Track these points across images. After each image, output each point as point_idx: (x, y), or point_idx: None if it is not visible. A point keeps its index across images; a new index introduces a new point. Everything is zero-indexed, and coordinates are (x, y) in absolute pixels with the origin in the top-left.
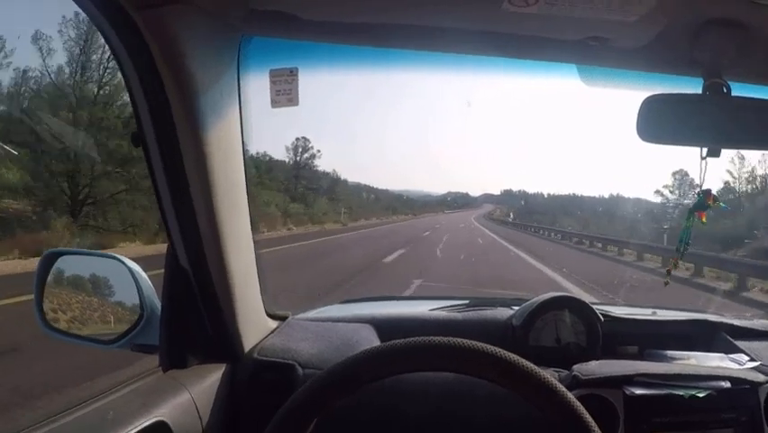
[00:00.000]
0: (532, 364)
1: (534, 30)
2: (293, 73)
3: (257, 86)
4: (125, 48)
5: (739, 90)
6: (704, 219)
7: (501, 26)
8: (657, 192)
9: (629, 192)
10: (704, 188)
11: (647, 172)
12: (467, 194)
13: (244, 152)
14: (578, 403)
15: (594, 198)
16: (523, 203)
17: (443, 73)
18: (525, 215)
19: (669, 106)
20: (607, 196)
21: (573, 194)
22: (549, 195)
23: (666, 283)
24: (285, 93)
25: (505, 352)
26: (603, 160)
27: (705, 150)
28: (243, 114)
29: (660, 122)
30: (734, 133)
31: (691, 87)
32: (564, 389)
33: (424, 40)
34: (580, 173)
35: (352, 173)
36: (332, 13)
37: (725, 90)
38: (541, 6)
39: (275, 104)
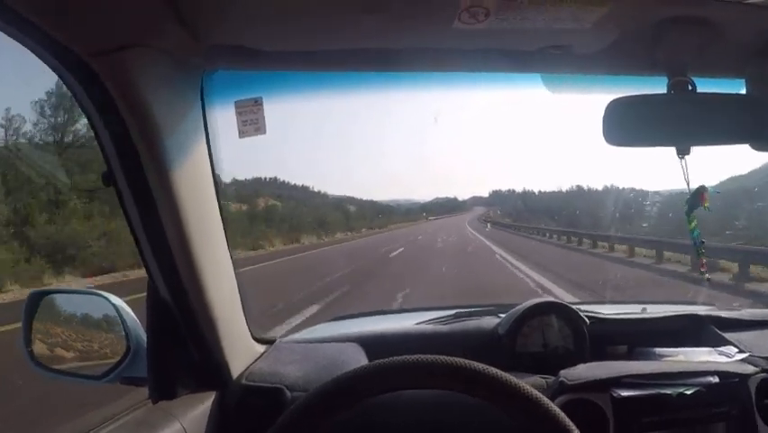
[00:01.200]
0: (506, 374)
1: (492, 43)
2: (258, 103)
3: (223, 117)
4: (86, 93)
5: (705, 86)
6: (706, 204)
7: (457, 43)
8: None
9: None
10: (691, 187)
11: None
12: (455, 198)
13: (215, 181)
14: (561, 413)
15: (596, 191)
16: (520, 203)
17: (409, 90)
18: (525, 215)
19: (634, 108)
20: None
21: (576, 188)
22: (541, 192)
23: (708, 280)
24: (252, 123)
25: (480, 365)
26: (582, 156)
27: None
28: (212, 145)
29: (626, 124)
30: (702, 130)
31: (657, 86)
32: (545, 398)
33: (386, 61)
34: (564, 170)
35: (333, 187)
36: (290, 43)
37: (690, 88)
38: (491, 22)
39: (242, 134)
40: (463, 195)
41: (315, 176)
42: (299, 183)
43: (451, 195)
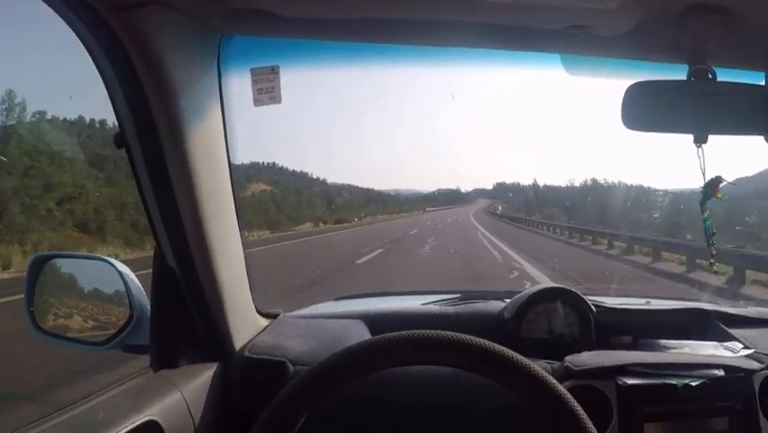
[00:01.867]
0: (518, 355)
1: (514, 20)
2: (274, 71)
3: (239, 84)
4: (102, 50)
5: (725, 75)
6: (719, 195)
7: (480, 17)
8: None
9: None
10: (706, 176)
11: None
12: (458, 189)
13: (228, 150)
14: (567, 394)
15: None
16: (532, 195)
17: (426, 66)
18: (536, 209)
19: (653, 93)
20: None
21: (591, 182)
22: (553, 186)
23: (716, 272)
24: (267, 91)
25: (491, 343)
26: (595, 147)
27: (692, 137)
28: (226, 113)
29: (644, 109)
30: (720, 119)
31: (677, 73)
32: (553, 380)
33: (404, 33)
34: (575, 162)
35: (333, 174)
36: (311, 10)
37: (710, 76)
38: None
39: (257, 102)
40: (467, 186)
41: (318, 161)
42: (299, 169)
43: (453, 186)
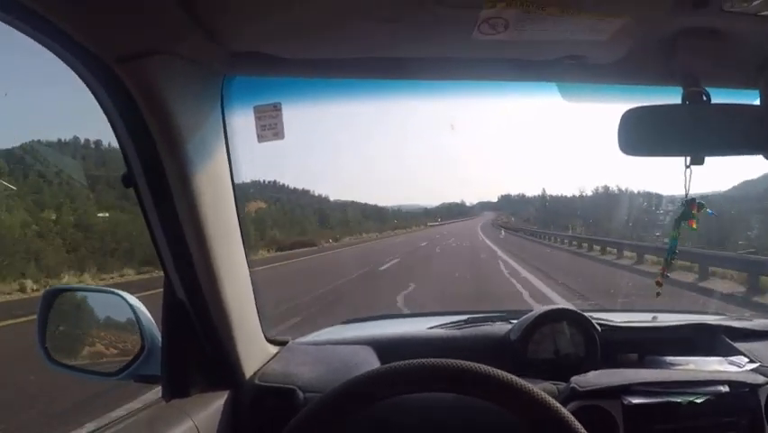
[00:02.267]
0: (520, 380)
1: (509, 53)
2: (277, 108)
3: (243, 122)
4: (109, 98)
5: (719, 96)
6: (694, 226)
7: (475, 53)
8: None
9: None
10: (689, 196)
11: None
12: (462, 203)
13: (233, 184)
14: (571, 416)
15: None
16: (547, 204)
17: (425, 99)
18: (549, 219)
19: (649, 118)
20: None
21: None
22: (551, 196)
23: (658, 294)
24: (270, 128)
25: (494, 369)
26: (601, 158)
27: (688, 159)
28: (231, 149)
29: (640, 134)
30: (716, 141)
31: (672, 96)
32: (557, 403)
33: (403, 70)
34: (578, 176)
35: (341, 192)
36: (311, 50)
37: (704, 98)
38: (510, 33)
39: (261, 138)
40: (471, 200)
41: (323, 180)
42: (300, 187)
43: (458, 200)
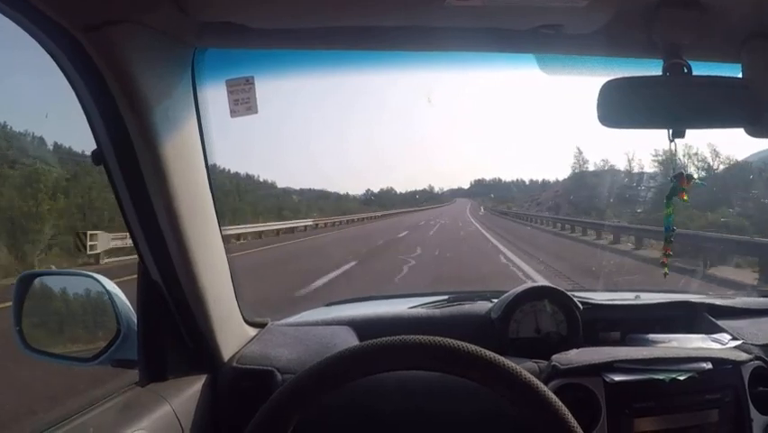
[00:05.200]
0: (501, 357)
1: (484, 22)
2: (249, 82)
3: (215, 96)
4: (75, 69)
5: (700, 69)
6: (685, 198)
7: (449, 21)
8: None
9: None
10: (677, 169)
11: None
12: (431, 189)
13: (206, 160)
14: (555, 398)
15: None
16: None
17: (401, 70)
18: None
19: (628, 90)
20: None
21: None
22: (532, 180)
23: (666, 275)
24: (243, 102)
25: (475, 347)
26: (574, 141)
27: (671, 132)
28: (203, 125)
29: (620, 106)
30: (697, 113)
31: (652, 68)
32: (538, 381)
33: (376, 40)
34: (558, 156)
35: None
36: (282, 21)
37: (685, 70)
38: None
39: (234, 113)
40: (441, 185)
41: (287, 168)
42: (263, 178)
43: (427, 186)
